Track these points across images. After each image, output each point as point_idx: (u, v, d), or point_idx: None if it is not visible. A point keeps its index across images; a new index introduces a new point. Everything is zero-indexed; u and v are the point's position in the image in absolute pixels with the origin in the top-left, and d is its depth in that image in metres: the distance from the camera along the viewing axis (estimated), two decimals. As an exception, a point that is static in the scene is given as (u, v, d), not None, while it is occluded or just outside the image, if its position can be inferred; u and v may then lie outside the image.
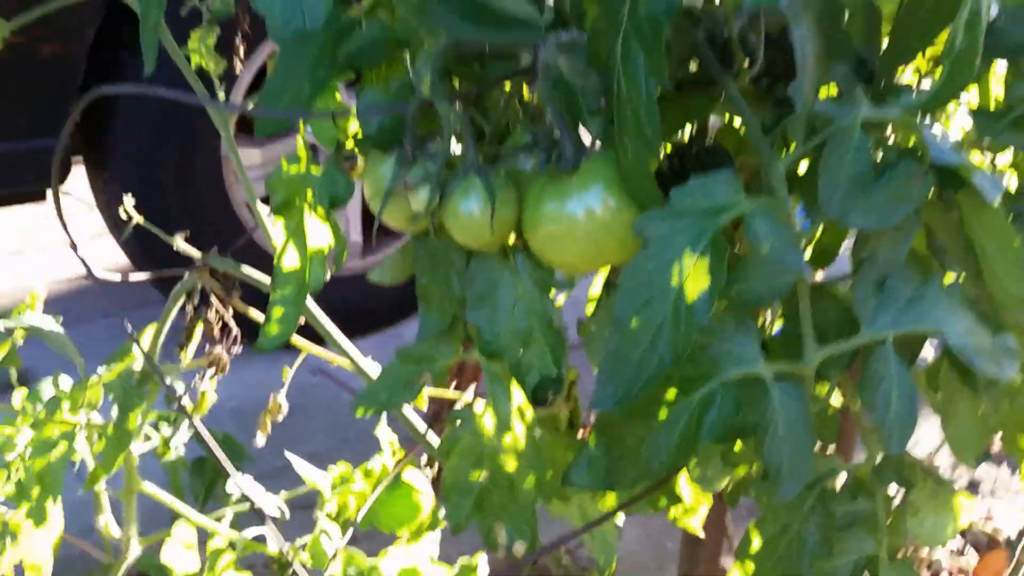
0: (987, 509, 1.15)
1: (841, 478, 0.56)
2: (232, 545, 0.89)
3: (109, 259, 2.09)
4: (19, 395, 0.83)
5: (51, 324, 0.77)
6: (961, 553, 1.35)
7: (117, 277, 0.77)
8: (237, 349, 0.80)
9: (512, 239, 0.52)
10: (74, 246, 0.71)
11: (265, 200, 1.98)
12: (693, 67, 0.48)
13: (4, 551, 0.78)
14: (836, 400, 0.58)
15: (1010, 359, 0.47)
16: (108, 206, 1.59)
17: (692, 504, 0.72)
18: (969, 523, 1.01)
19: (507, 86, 0.51)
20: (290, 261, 0.62)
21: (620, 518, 0.69)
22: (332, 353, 0.81)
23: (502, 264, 0.52)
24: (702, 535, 0.79)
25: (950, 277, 0.55)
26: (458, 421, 0.56)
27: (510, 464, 0.55)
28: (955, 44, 0.30)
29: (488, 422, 0.56)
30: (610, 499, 0.64)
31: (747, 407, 0.44)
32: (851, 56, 0.43)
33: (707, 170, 0.56)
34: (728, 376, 0.44)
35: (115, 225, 1.62)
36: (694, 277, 0.40)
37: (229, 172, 1.54)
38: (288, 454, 0.91)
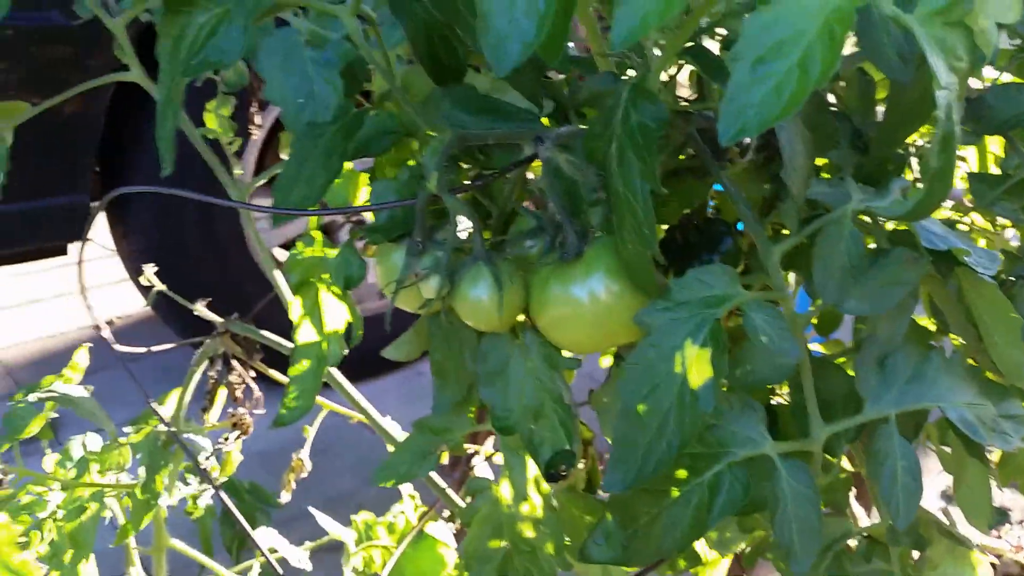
0: (1017, 538, 1.14)
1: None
2: (261, 598, 0.91)
3: (132, 304, 2.13)
4: (51, 460, 0.86)
5: (80, 392, 0.80)
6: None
7: (142, 350, 0.79)
8: (260, 411, 0.82)
9: (521, 318, 0.54)
10: (97, 327, 0.74)
11: (285, 246, 2.01)
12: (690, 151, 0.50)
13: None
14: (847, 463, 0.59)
15: (1015, 427, 0.48)
16: (129, 256, 1.63)
17: (712, 559, 0.73)
18: (1000, 553, 1.00)
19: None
20: (306, 337, 0.64)
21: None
22: (351, 409, 0.83)
23: (512, 343, 0.53)
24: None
25: (953, 339, 0.56)
26: (477, 491, 0.57)
27: (529, 532, 0.57)
28: (932, 163, 0.31)
29: (505, 491, 0.57)
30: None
31: (756, 483, 0.45)
32: (838, 145, 0.45)
33: (708, 240, 0.58)
34: (736, 457, 0.45)
35: (136, 272, 1.65)
36: (696, 366, 0.42)
37: (249, 222, 1.57)
38: (311, 509, 0.93)
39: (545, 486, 0.57)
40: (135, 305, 2.13)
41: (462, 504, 0.79)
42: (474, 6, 0.38)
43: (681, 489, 0.45)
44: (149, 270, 0.84)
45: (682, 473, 0.45)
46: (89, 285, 2.24)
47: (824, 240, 0.43)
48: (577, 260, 0.48)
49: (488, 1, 0.35)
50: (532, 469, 0.56)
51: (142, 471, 0.83)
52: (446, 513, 0.89)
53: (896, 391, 0.45)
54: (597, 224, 0.48)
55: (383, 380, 1.79)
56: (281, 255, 1.75)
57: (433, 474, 0.78)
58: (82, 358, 0.89)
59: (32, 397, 0.77)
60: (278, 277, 0.81)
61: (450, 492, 0.78)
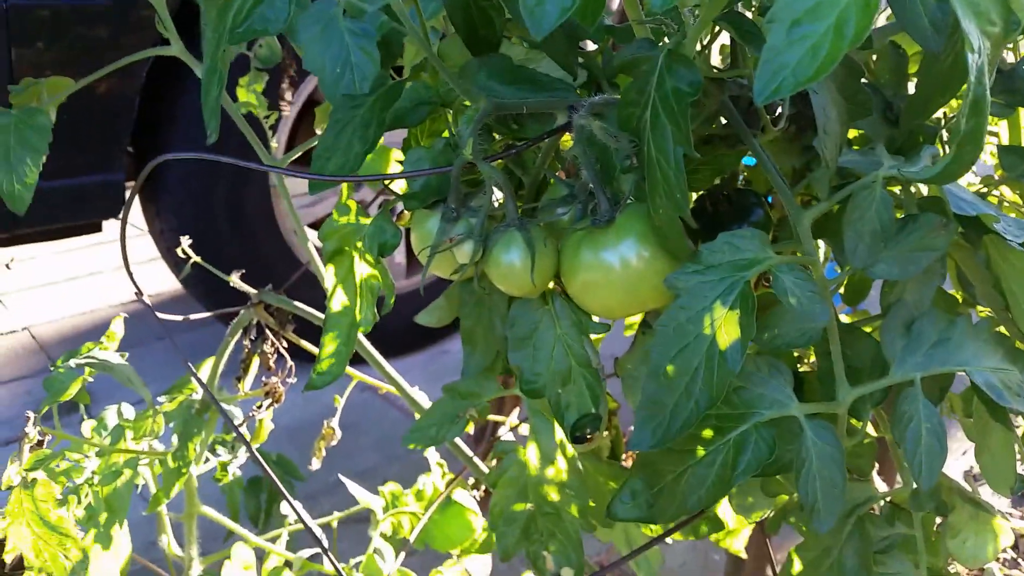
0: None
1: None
2: (288, 564, 0.93)
3: (162, 283, 2.17)
4: (87, 425, 0.88)
5: (117, 359, 0.82)
6: (1015, 564, 1.34)
7: (179, 318, 0.81)
8: (292, 379, 0.84)
9: (551, 285, 0.55)
10: (139, 293, 0.76)
11: (313, 226, 2.05)
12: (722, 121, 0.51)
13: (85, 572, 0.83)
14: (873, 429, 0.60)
15: (1038, 394, 0.48)
16: (161, 234, 1.66)
17: (735, 527, 0.74)
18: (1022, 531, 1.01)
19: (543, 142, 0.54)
20: (340, 304, 0.66)
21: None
22: (379, 380, 0.85)
23: (541, 308, 0.54)
24: (744, 556, 0.81)
25: (981, 311, 0.56)
26: (504, 454, 0.59)
27: (554, 494, 0.58)
28: (961, 126, 0.32)
29: (532, 455, 0.59)
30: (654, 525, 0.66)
31: (781, 445, 0.46)
32: (870, 114, 0.45)
33: (738, 210, 0.58)
34: (762, 417, 0.46)
35: (168, 251, 1.68)
36: (725, 328, 0.43)
37: (279, 201, 1.60)
38: (341, 477, 0.95)
39: (570, 449, 0.58)
40: (165, 284, 2.17)
41: (487, 472, 0.80)
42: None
43: (707, 448, 0.46)
44: (184, 243, 0.86)
45: (708, 433, 0.46)
46: (120, 264, 2.27)
47: (855, 205, 0.44)
48: (609, 226, 0.49)
49: (528, -37, 0.36)
50: (558, 433, 0.57)
51: (174, 439, 0.86)
52: (471, 482, 0.90)
53: (922, 355, 0.46)
54: (629, 191, 0.49)
55: (409, 359, 1.81)
56: (311, 235, 1.78)
57: (459, 442, 0.79)
58: (118, 327, 0.92)
59: (72, 362, 0.79)
60: (312, 251, 0.83)
61: (476, 460, 0.80)
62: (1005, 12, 0.33)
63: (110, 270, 2.20)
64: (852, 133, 0.58)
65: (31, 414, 0.76)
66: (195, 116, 1.54)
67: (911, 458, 0.45)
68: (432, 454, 0.92)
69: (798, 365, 0.57)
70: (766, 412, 0.46)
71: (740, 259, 0.43)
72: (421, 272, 2.20)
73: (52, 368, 0.85)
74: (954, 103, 0.54)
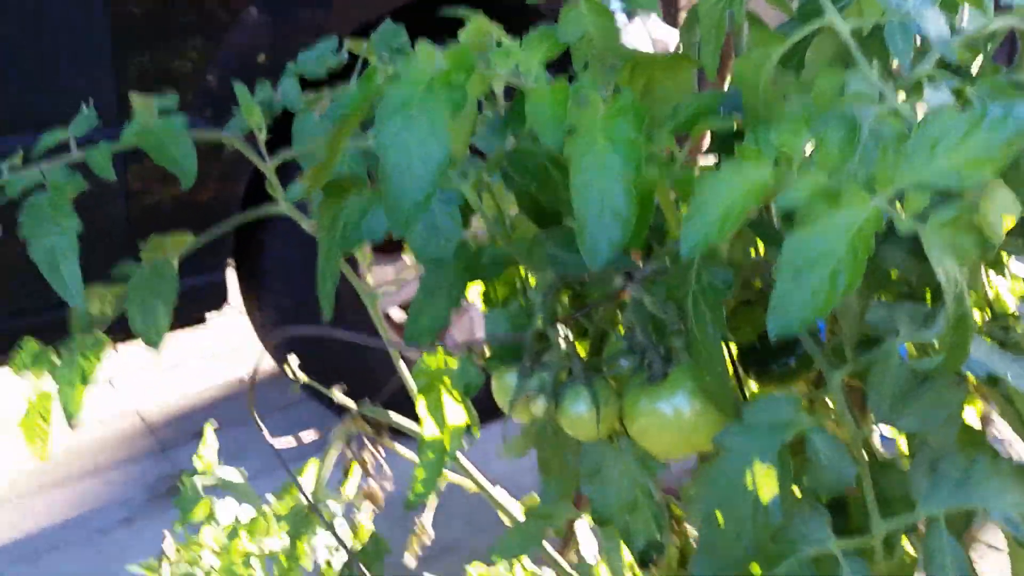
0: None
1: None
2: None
3: (260, 363, 2.33)
4: (208, 532, 1.00)
5: (236, 477, 0.93)
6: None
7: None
8: (389, 486, 0.94)
9: (616, 424, 0.63)
10: (244, 381, 0.86)
11: (402, 307, 2.13)
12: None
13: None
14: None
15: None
16: (261, 326, 1.80)
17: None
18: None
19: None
20: (431, 432, 0.75)
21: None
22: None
23: (609, 446, 0.62)
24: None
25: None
26: (579, 573, 0.67)
27: (627, 610, 0.65)
28: (947, 339, 0.39)
29: (604, 574, 0.66)
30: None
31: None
32: (890, 283, 0.53)
33: (785, 345, 0.65)
34: (805, 553, 0.53)
35: (265, 338, 1.82)
36: (765, 483, 0.50)
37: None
38: None
39: (638, 571, 0.65)
40: (264, 364, 2.33)
41: (565, 565, 0.88)
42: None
43: (758, 581, 0.53)
44: (293, 360, 0.97)
45: (757, 569, 0.53)
46: (222, 349, 2.46)
47: (876, 371, 0.51)
48: (663, 381, 0.57)
49: (582, 208, 0.45)
50: (627, 555, 0.65)
51: (286, 538, 0.96)
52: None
53: (945, 493, 0.52)
54: (679, 349, 0.57)
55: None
56: (395, 313, 1.89)
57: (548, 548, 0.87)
58: (211, 436, 1.03)
59: (198, 481, 0.91)
60: (403, 367, 0.93)
61: (558, 558, 0.88)
62: (980, 240, 0.40)
63: (210, 356, 2.37)
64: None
65: (167, 533, 0.88)
66: (290, 221, 1.69)
67: (941, 588, 0.51)
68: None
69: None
70: (808, 549, 0.52)
71: (776, 421, 0.51)
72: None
73: (162, 449, 0.96)
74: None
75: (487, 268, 0.68)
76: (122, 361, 2.43)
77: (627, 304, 0.62)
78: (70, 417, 0.80)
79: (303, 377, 0.95)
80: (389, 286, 1.80)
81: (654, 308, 0.56)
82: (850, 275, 0.38)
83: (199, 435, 1.08)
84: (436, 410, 0.75)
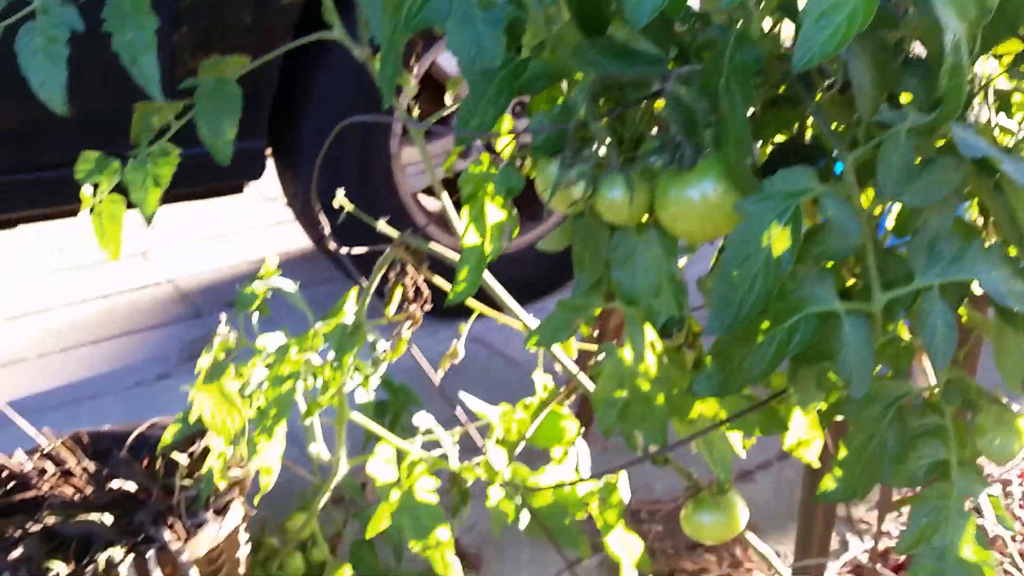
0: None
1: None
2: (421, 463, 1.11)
3: (289, 244, 2.41)
4: (261, 339, 1.08)
5: (290, 286, 1.01)
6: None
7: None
8: (427, 307, 1.02)
9: (645, 217, 0.69)
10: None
11: (425, 191, 2.26)
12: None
13: (252, 456, 1.03)
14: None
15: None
16: (295, 198, 1.87)
17: (807, 438, 0.87)
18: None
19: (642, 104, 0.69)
20: (472, 239, 0.82)
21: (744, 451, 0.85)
22: (491, 316, 1.01)
23: (638, 235, 0.69)
24: (817, 465, 0.94)
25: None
26: (604, 354, 0.74)
27: (645, 385, 0.73)
28: (942, 84, 0.45)
29: (627, 353, 0.74)
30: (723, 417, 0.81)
31: (825, 335, 0.60)
32: (900, 81, 0.58)
33: (804, 161, 0.72)
34: (810, 311, 0.60)
35: (301, 213, 1.89)
36: (779, 240, 0.57)
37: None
38: (461, 393, 1.13)
39: (659, 348, 0.73)
40: (292, 245, 2.41)
41: (586, 382, 0.96)
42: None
43: (766, 335, 0.60)
44: (340, 193, 1.04)
45: (766, 324, 0.60)
46: (252, 226, 2.56)
47: (885, 149, 0.57)
48: (692, 169, 0.63)
49: (633, -26, 0.51)
50: (649, 336, 0.72)
51: (331, 355, 1.05)
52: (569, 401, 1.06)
53: (941, 267, 0.59)
54: (708, 143, 0.63)
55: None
56: (422, 198, 1.96)
57: (563, 357, 0.96)
58: (272, 263, 1.11)
59: (257, 284, 0.99)
60: (446, 199, 1.00)
61: (580, 374, 0.96)
62: (980, 4, 0.46)
63: (245, 230, 2.45)
64: (907, 98, 0.70)
65: (223, 315, 0.96)
66: (328, 87, 1.74)
67: (929, 345, 0.59)
68: (539, 376, 1.09)
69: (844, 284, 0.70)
70: (814, 307, 0.60)
71: (793, 189, 0.57)
72: (521, 235, 2.38)
73: (196, 315, 1.05)
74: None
75: (531, 82, 0.74)
76: (157, 235, 2.52)
77: (663, 102, 0.68)
78: (148, 217, 0.88)
79: (349, 206, 1.02)
80: (418, 166, 1.86)
81: (689, 98, 0.62)
82: (864, 16, 0.44)
83: (233, 305, 1.16)
84: (479, 218, 0.82)
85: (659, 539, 1.37)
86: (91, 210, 0.91)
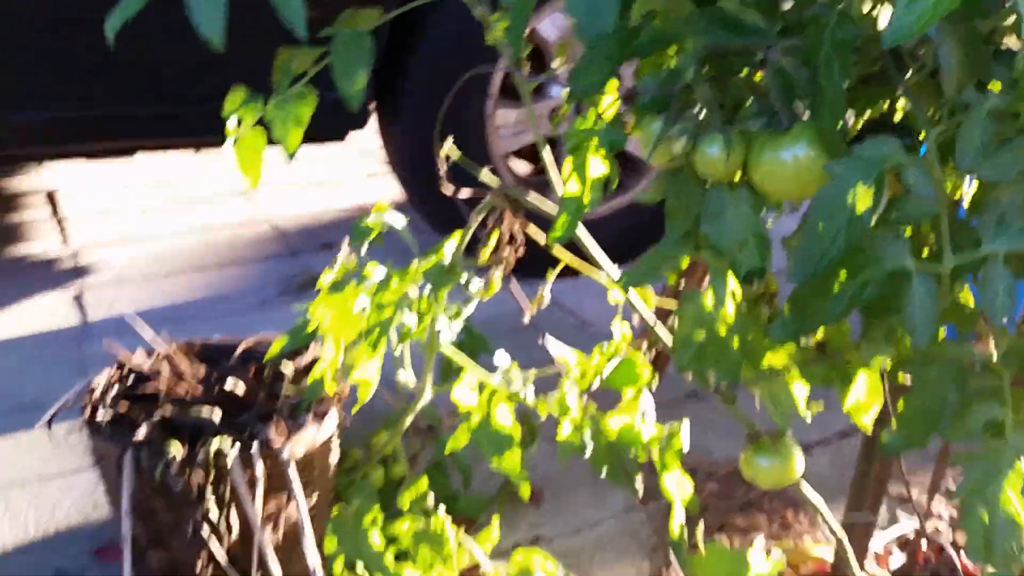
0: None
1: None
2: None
3: (380, 195, 2.54)
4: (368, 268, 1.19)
5: (400, 221, 1.12)
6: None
7: (466, 193, 1.08)
8: (520, 252, 1.11)
9: (737, 176, 0.77)
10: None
11: (516, 153, 2.36)
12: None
13: (352, 372, 1.14)
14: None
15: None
16: (395, 151, 1.98)
17: (866, 402, 0.94)
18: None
19: (744, 72, 0.76)
20: (573, 188, 0.90)
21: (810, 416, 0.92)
22: (567, 278, 1.09)
23: (730, 192, 0.77)
24: (871, 430, 1.00)
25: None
26: (690, 297, 0.82)
27: (723, 330, 0.81)
28: (1019, 70, 0.51)
29: (709, 299, 0.82)
30: (793, 375, 0.88)
31: (896, 291, 0.66)
32: (988, 65, 0.64)
33: (895, 129, 0.78)
34: (885, 266, 0.67)
35: (399, 164, 2.00)
36: (862, 200, 0.63)
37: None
38: (548, 336, 1.22)
39: (738, 295, 0.80)
40: (384, 196, 2.54)
41: (663, 333, 1.04)
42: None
43: (841, 287, 0.67)
44: (448, 143, 1.13)
45: (843, 276, 0.67)
46: (345, 178, 2.71)
47: (965, 127, 0.63)
48: (786, 132, 0.70)
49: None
50: (730, 285, 0.80)
51: (427, 289, 1.15)
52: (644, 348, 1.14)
53: (1007, 237, 0.65)
54: (806, 107, 0.70)
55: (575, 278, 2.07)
56: (515, 163, 2.05)
57: (642, 306, 1.04)
58: (386, 199, 1.21)
59: (371, 218, 1.09)
60: (546, 154, 1.08)
61: (658, 325, 1.04)
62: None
63: (341, 179, 2.58)
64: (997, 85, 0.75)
65: (346, 239, 1.07)
66: (433, 42, 1.83)
67: (990, 307, 0.65)
68: (618, 326, 1.17)
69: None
70: (887, 263, 0.66)
71: (880, 155, 0.64)
72: (616, 195, 2.44)
73: (292, 254, 1.16)
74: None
75: (641, 47, 0.81)
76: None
77: (765, 71, 0.75)
78: (290, 154, 0.99)
79: (456, 153, 1.11)
80: (511, 128, 1.95)
81: (790, 68, 0.68)
82: (950, 0, 0.50)
83: (328, 247, 1.24)
84: (580, 168, 0.90)
85: (714, 496, 1.45)
86: (234, 141, 1.03)
